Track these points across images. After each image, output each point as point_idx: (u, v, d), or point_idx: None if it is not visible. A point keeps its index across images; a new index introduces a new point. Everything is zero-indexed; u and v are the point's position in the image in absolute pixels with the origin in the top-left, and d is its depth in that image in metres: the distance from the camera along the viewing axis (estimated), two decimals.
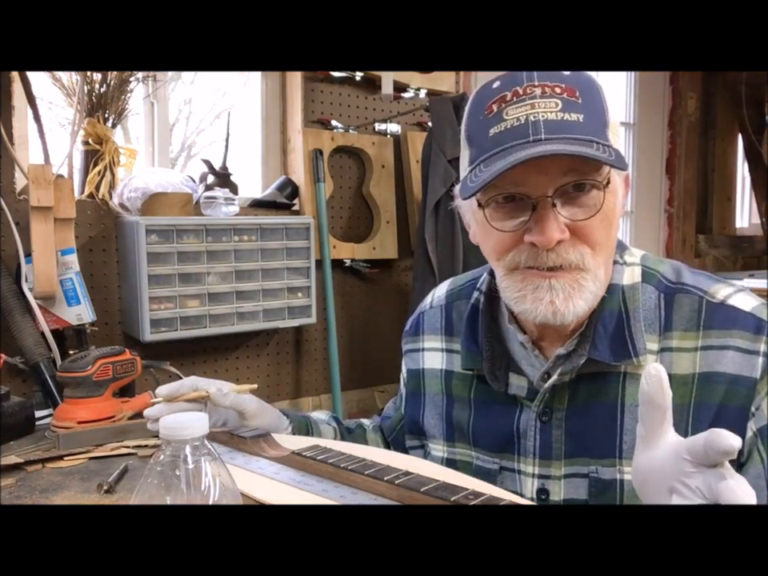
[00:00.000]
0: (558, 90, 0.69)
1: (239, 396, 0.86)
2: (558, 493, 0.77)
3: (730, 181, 3.72)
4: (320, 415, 1.01)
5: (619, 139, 0.75)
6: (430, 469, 0.72)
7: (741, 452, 0.70)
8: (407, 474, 0.69)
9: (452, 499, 0.62)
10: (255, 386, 0.88)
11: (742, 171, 3.78)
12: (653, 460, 0.53)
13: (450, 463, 0.86)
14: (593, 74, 0.77)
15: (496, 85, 0.73)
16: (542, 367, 0.79)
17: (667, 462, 0.52)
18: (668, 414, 0.53)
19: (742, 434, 0.70)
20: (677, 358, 0.74)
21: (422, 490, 0.65)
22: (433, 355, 0.92)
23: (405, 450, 0.96)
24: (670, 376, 0.72)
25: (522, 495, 0.79)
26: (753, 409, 0.71)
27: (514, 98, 0.70)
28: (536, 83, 0.70)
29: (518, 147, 0.68)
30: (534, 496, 0.79)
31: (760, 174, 3.49)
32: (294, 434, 0.92)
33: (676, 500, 0.50)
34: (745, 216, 3.92)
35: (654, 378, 0.53)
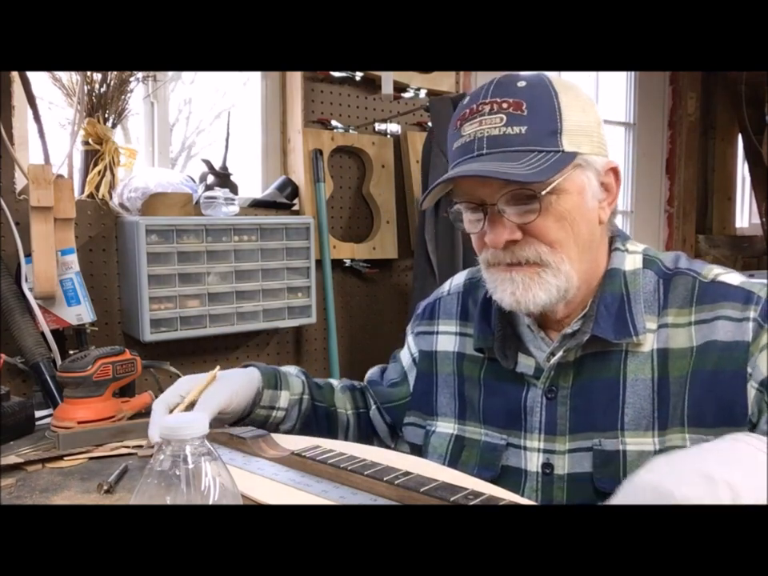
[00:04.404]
0: (504, 106, 0.76)
1: (210, 405, 0.84)
2: (563, 467, 0.81)
3: (730, 181, 3.71)
4: (289, 368, 1.03)
5: (587, 139, 0.78)
6: (429, 469, 0.73)
7: (751, 412, 0.74)
8: (407, 474, 0.69)
9: (451, 499, 0.63)
10: (217, 368, 0.89)
11: (742, 171, 3.77)
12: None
13: (458, 440, 0.91)
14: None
15: (466, 101, 0.81)
16: (547, 349, 0.84)
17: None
18: None
19: (738, 397, 0.74)
20: (673, 333, 0.80)
21: (422, 490, 0.65)
22: (446, 338, 0.97)
23: (400, 423, 0.99)
24: (668, 350, 0.79)
25: (526, 470, 0.83)
26: (749, 369, 0.75)
27: (469, 115, 0.78)
28: (487, 100, 0.77)
29: (463, 162, 0.77)
30: (539, 470, 0.83)
31: (760, 173, 3.48)
32: (264, 388, 0.94)
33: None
34: (745, 216, 3.91)
35: None
